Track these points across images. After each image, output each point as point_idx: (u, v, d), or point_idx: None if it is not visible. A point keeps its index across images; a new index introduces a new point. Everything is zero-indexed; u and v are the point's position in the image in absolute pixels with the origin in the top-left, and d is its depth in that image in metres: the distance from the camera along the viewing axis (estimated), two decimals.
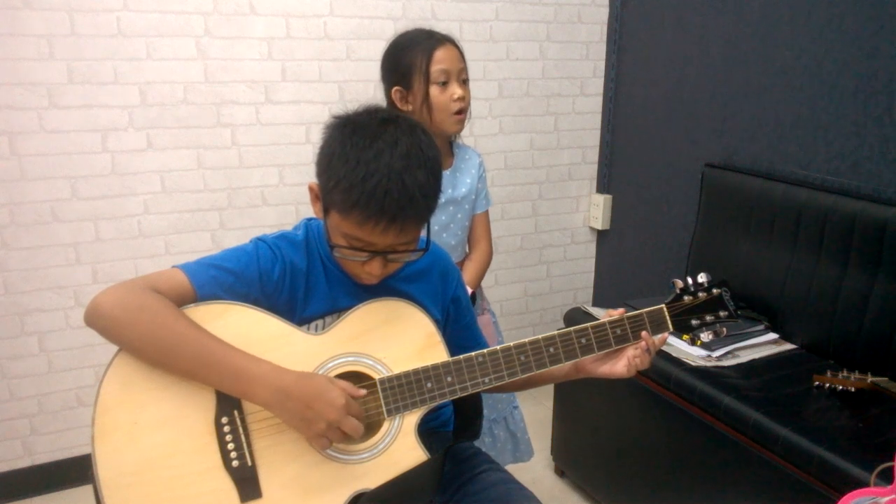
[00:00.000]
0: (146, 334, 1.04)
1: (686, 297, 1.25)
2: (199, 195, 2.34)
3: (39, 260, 2.19)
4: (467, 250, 1.88)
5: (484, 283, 1.93)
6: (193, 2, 2.19)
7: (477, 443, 1.83)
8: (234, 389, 1.07)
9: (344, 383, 1.09)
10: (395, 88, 1.71)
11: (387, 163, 1.04)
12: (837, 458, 1.50)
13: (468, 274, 1.80)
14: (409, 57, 1.67)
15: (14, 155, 2.09)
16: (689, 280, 1.26)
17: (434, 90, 1.67)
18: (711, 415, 1.78)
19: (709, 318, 1.26)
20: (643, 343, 1.21)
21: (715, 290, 1.26)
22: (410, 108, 1.69)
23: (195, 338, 1.05)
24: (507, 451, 1.98)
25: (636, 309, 1.24)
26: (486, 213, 1.88)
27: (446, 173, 1.76)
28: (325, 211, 1.12)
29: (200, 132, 2.29)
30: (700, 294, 1.26)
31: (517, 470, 1.95)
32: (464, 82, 1.71)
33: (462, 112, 1.71)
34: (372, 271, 1.13)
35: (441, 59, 1.66)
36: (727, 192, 2.30)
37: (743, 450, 1.69)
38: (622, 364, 1.21)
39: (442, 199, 1.73)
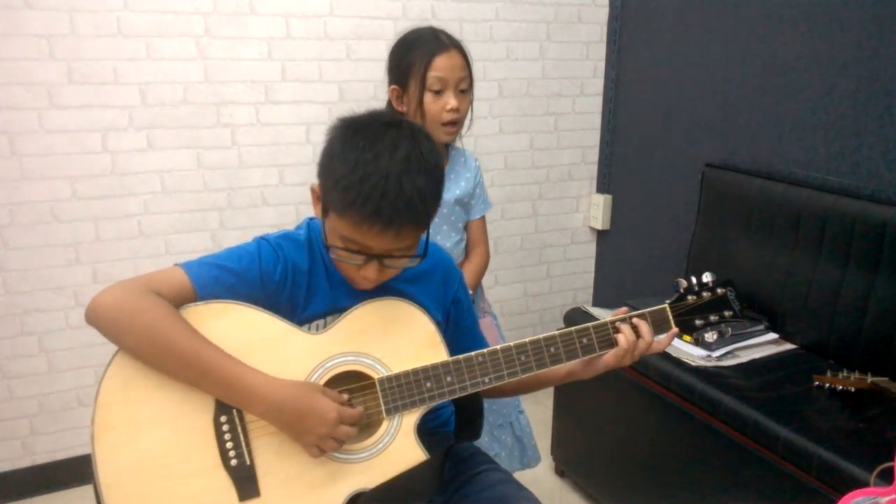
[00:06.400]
0: (142, 340, 1.04)
1: (690, 297, 1.25)
2: (199, 195, 2.34)
3: (39, 260, 2.19)
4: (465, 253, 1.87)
5: (484, 284, 1.92)
6: (193, 2, 2.19)
7: (485, 451, 1.82)
8: (227, 399, 1.08)
9: (332, 393, 1.10)
10: (393, 87, 1.68)
11: (385, 165, 1.03)
12: (837, 458, 1.50)
13: (465, 277, 1.79)
14: (409, 57, 1.63)
15: (14, 155, 2.09)
16: (693, 280, 1.25)
17: (428, 97, 1.62)
18: (711, 415, 1.78)
19: (713, 317, 1.25)
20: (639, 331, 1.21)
21: (720, 290, 1.25)
22: (405, 108, 1.65)
23: (189, 346, 1.05)
24: (514, 458, 1.95)
25: (637, 309, 1.23)
26: (483, 217, 1.86)
27: None
28: (325, 211, 1.11)
29: (200, 132, 2.29)
30: (704, 294, 1.25)
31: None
32: (462, 92, 1.64)
33: (454, 123, 1.65)
34: (368, 276, 1.12)
35: (440, 67, 1.61)
36: (727, 192, 2.29)
37: (743, 450, 1.69)
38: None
39: None
